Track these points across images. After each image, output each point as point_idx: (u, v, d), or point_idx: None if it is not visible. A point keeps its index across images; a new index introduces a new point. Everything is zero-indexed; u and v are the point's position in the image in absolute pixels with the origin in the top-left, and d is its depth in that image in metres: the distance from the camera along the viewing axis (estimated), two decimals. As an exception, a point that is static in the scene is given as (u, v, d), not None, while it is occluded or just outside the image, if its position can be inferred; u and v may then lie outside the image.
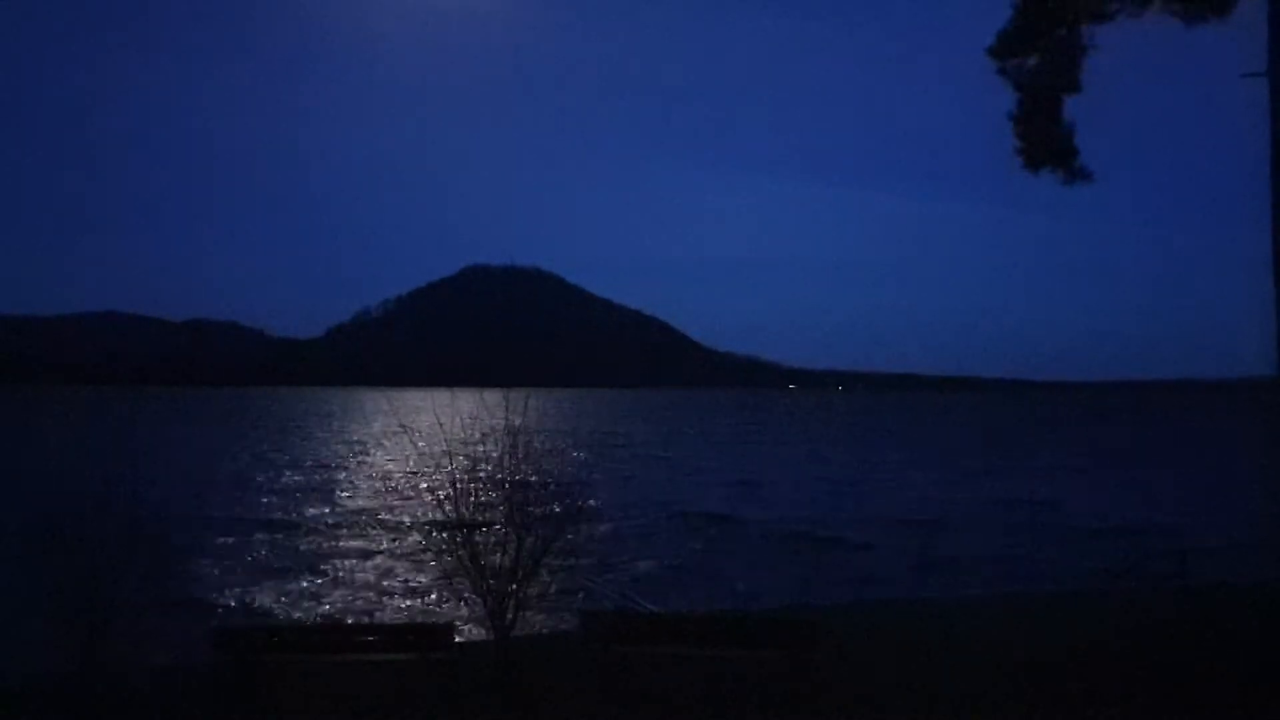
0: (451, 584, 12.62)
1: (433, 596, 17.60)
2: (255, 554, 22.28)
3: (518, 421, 10.70)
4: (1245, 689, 9.21)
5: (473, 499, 10.53)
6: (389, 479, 39.32)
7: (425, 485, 15.53)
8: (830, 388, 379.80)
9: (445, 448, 10.76)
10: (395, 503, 31.44)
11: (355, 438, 70.53)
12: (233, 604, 17.09)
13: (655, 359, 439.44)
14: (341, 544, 24.15)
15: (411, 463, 41.80)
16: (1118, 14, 11.35)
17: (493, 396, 11.29)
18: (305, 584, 19.26)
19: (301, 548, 23.45)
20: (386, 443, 61.99)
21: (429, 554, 14.09)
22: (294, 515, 29.26)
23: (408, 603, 17.49)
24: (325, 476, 41.52)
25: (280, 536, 24.93)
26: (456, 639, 9.94)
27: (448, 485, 10.43)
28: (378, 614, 16.76)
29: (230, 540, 23.56)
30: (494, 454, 10.56)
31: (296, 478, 40.90)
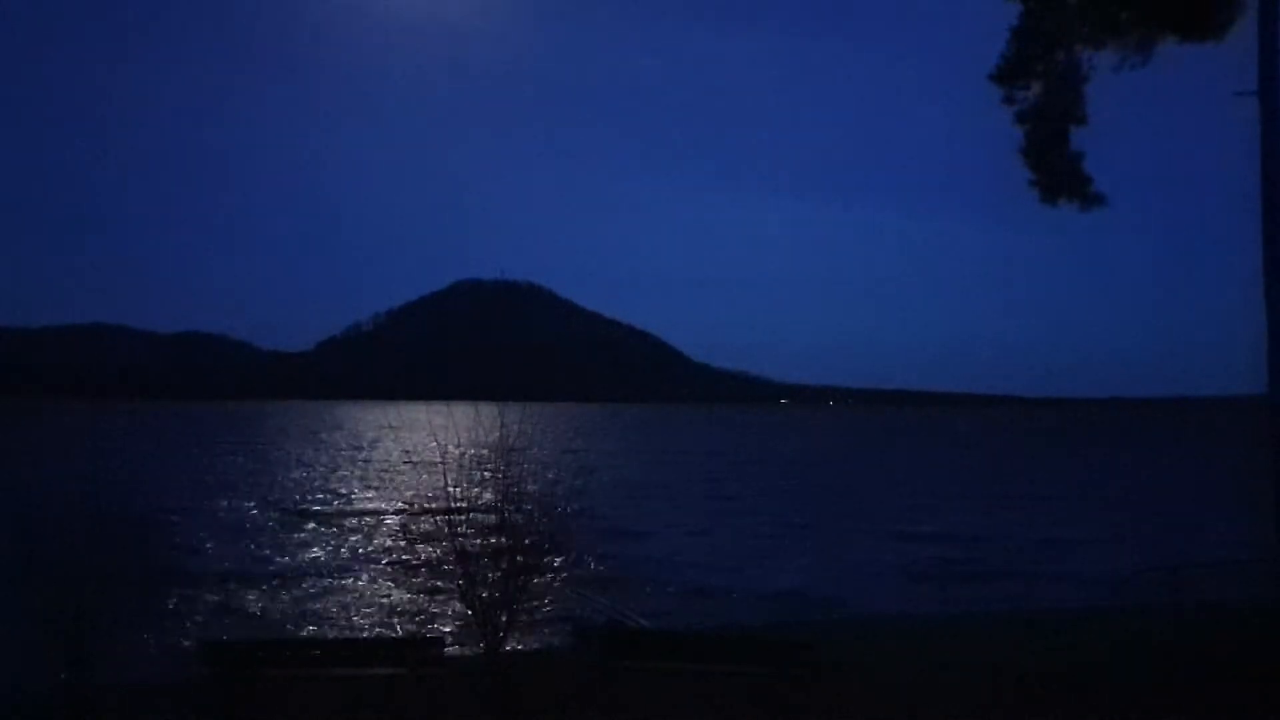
0: (443, 596, 12.52)
1: (422, 609, 17.43)
2: (241, 569, 22.08)
3: (511, 437, 10.62)
4: (1233, 707, 9.16)
5: (465, 513, 10.43)
6: (378, 489, 39.19)
7: (415, 498, 15.38)
8: (822, 404, 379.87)
9: (438, 460, 10.68)
10: (385, 514, 31.29)
11: (343, 449, 70.21)
12: (218, 619, 16.90)
13: (646, 374, 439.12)
14: (329, 555, 23.97)
15: (402, 473, 41.78)
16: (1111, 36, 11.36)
17: (488, 410, 11.22)
18: (291, 597, 19.09)
19: (288, 560, 23.27)
20: (376, 452, 61.76)
21: (419, 566, 13.95)
22: (282, 526, 29.06)
23: (396, 617, 17.34)
24: (313, 486, 41.32)
25: (267, 551, 24.76)
26: (446, 652, 9.83)
27: (440, 498, 10.34)
28: (365, 627, 16.60)
29: (215, 555, 23.37)
30: (487, 468, 10.48)
31: (283, 488, 40.66)
